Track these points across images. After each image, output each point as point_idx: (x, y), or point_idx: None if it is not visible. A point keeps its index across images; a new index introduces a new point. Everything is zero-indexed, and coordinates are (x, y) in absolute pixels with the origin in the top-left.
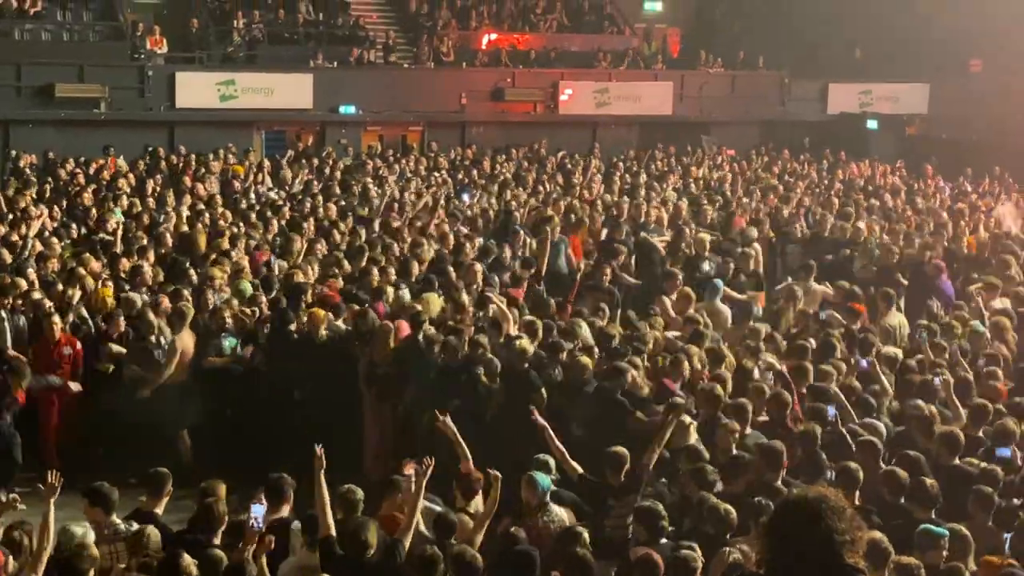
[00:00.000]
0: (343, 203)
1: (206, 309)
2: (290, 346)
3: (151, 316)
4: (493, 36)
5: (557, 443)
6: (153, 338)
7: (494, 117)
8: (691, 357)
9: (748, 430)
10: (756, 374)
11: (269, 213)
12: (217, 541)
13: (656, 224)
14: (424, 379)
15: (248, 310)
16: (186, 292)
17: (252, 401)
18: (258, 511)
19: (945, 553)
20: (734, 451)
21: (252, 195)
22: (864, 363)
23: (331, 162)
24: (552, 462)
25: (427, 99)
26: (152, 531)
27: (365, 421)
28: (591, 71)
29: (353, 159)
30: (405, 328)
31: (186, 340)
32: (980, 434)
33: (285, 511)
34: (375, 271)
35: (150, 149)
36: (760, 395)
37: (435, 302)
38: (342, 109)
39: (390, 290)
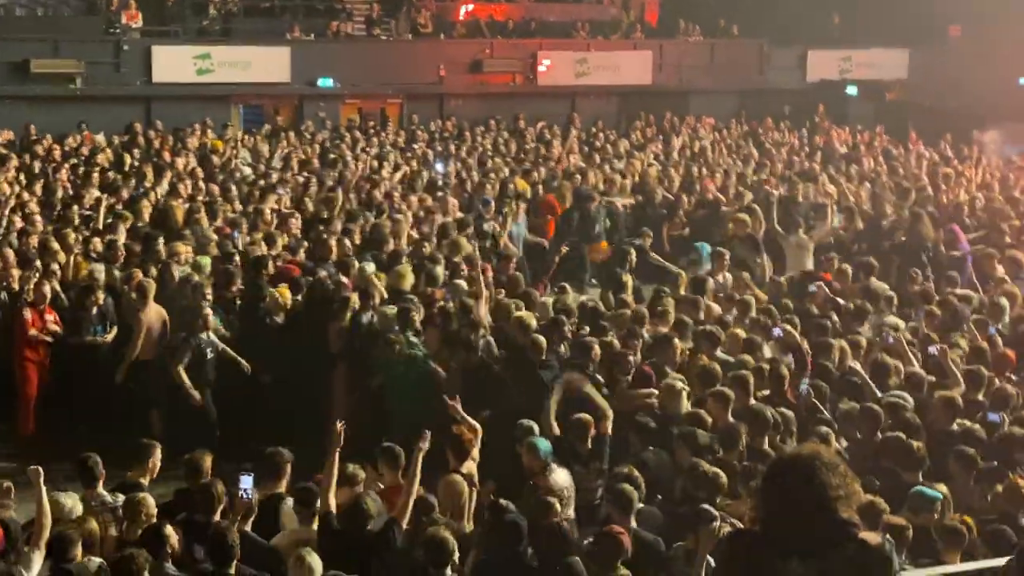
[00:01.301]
0: (315, 176)
1: (171, 283)
2: (258, 323)
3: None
4: (471, 7)
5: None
6: (96, 310)
7: (473, 89)
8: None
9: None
10: (766, 350)
11: (245, 188)
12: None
13: (619, 191)
14: (389, 358)
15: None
16: (153, 268)
17: (225, 378)
18: (247, 482)
19: (936, 516)
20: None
21: (229, 169)
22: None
23: (309, 135)
24: (536, 427)
25: (405, 71)
26: (146, 497)
27: (335, 396)
28: (570, 41)
29: (332, 132)
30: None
31: (151, 316)
32: (980, 398)
33: (282, 487)
34: (332, 242)
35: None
36: (759, 373)
37: (408, 276)
38: (320, 82)
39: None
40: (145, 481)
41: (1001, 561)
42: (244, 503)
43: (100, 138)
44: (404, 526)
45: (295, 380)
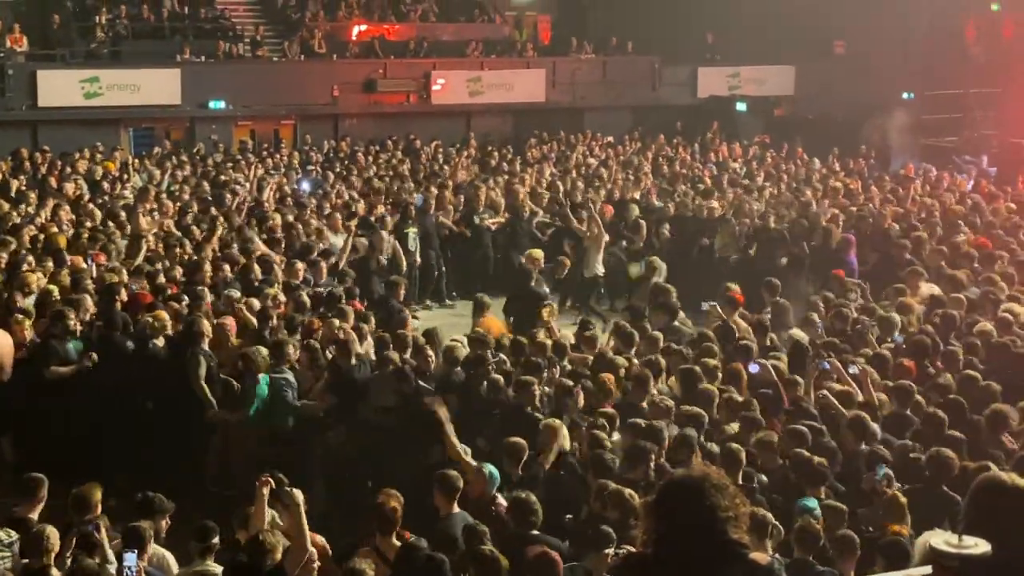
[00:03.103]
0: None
1: (13, 310)
2: (119, 351)
3: None
4: (363, 27)
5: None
6: None
7: (367, 109)
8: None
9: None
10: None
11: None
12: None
13: (489, 207)
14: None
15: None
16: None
17: (85, 407)
18: (131, 560)
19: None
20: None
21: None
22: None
23: (199, 158)
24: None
25: (298, 92)
26: (50, 529)
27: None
28: (463, 60)
29: (223, 154)
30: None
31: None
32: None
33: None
34: (206, 267)
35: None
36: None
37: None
38: (211, 104)
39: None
40: (34, 516)
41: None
42: None
43: None
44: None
45: (176, 407)
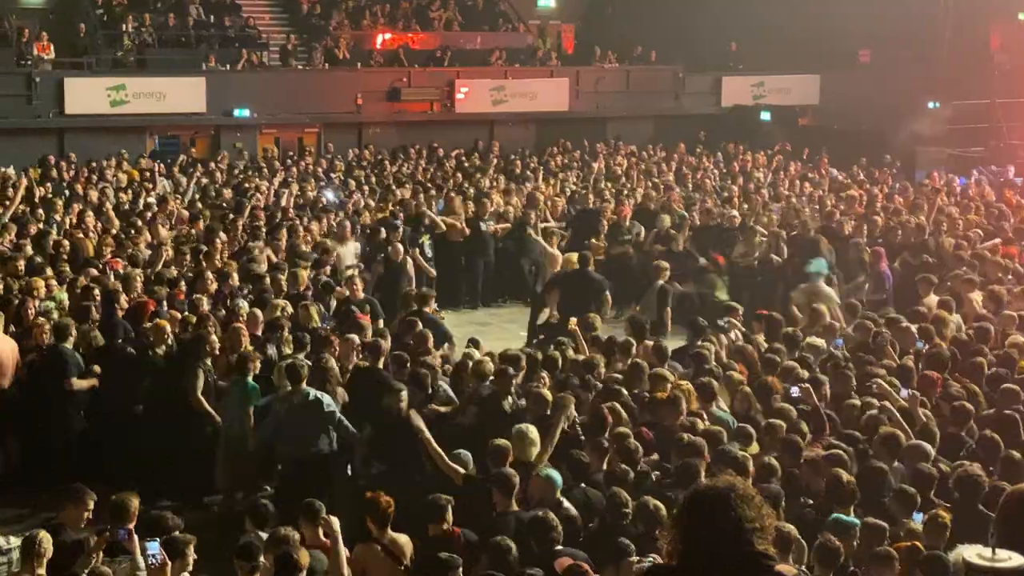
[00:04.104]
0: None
1: (27, 318)
2: (121, 358)
3: None
4: (387, 36)
5: (436, 447)
6: None
7: (390, 117)
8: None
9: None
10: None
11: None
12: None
13: (491, 215)
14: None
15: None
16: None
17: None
18: (154, 547)
19: (856, 543)
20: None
21: (141, 201)
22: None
23: (225, 166)
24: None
25: (322, 100)
26: (44, 535)
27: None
28: (487, 69)
29: (248, 162)
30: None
31: (1, 348)
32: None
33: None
34: (209, 275)
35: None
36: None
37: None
38: (236, 112)
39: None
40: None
41: None
42: (156, 570)
43: (10, 171)
44: None
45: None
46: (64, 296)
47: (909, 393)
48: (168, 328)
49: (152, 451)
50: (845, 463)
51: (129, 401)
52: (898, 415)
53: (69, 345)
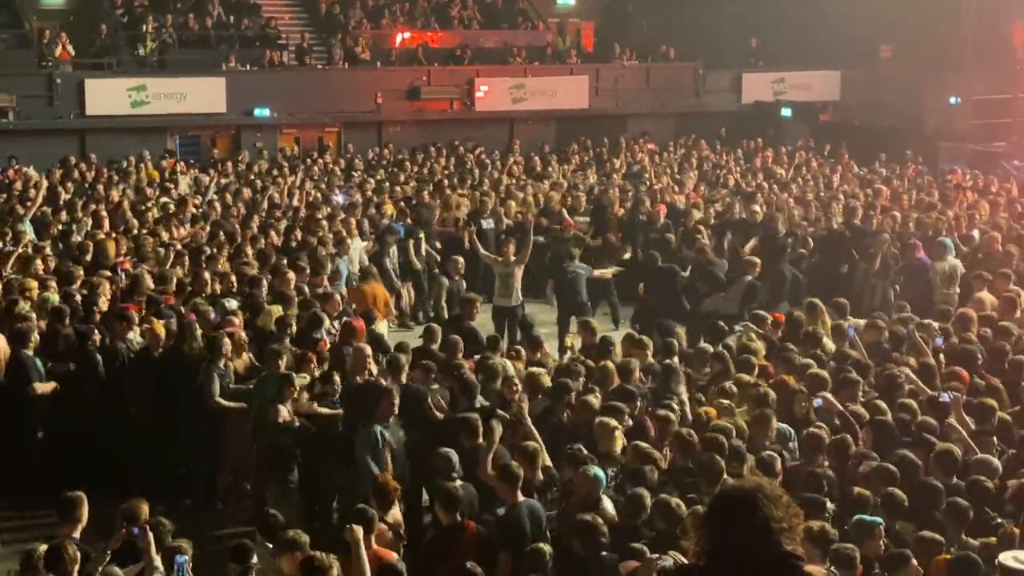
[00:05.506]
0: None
1: (11, 318)
2: (93, 361)
3: None
4: (407, 35)
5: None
6: None
7: (410, 116)
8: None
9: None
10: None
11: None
12: None
13: (490, 213)
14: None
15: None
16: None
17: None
18: (181, 560)
19: (883, 542)
20: None
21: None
22: None
23: (244, 166)
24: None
25: (342, 99)
26: (39, 548)
27: (225, 443)
28: (506, 67)
29: (268, 162)
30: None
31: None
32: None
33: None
34: (206, 276)
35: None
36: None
37: (275, 312)
38: (256, 112)
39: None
40: (76, 535)
41: None
42: None
43: (32, 172)
44: None
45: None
46: (55, 298)
47: (951, 396)
48: (161, 328)
49: (144, 454)
50: (895, 478)
51: (111, 403)
52: (960, 429)
53: (30, 351)
